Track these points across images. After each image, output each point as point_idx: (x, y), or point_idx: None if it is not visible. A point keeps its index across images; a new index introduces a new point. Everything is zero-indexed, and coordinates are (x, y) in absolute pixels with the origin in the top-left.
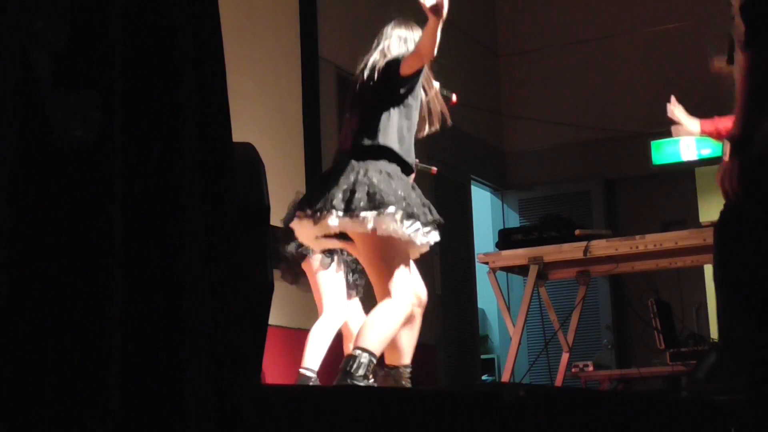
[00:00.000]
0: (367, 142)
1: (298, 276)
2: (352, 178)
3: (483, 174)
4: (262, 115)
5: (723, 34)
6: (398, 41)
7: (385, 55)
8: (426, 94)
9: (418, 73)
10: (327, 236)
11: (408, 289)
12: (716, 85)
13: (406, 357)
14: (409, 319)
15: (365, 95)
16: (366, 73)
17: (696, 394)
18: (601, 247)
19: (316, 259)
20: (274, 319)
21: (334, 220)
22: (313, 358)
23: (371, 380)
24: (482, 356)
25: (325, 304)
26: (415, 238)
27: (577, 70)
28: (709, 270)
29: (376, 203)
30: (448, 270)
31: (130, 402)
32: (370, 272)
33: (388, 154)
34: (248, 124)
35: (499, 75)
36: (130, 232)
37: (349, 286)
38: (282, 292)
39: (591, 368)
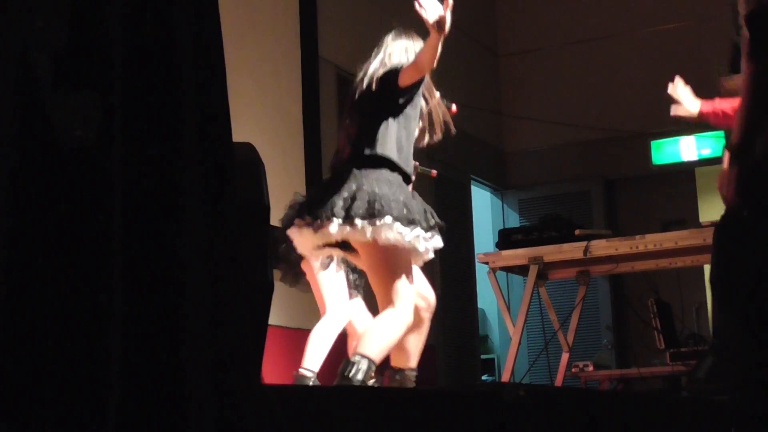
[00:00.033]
0: (365, 151)
1: (298, 277)
2: (353, 186)
3: (483, 174)
4: (262, 115)
5: (722, 36)
6: (399, 51)
7: (385, 65)
8: (427, 103)
9: (418, 84)
10: (328, 245)
11: (411, 299)
12: (716, 85)
13: (413, 360)
14: (417, 323)
15: (364, 104)
16: (365, 82)
17: (696, 394)
18: (601, 247)
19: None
20: (274, 319)
21: (335, 228)
22: (313, 359)
23: None
24: (482, 356)
25: (327, 306)
26: (417, 245)
27: (577, 70)
28: (709, 270)
29: (375, 212)
30: (448, 270)
31: (130, 402)
32: (373, 281)
33: (387, 163)
34: (248, 124)
35: (499, 75)
36: (130, 232)
37: (349, 286)
38: (282, 292)
39: (591, 368)
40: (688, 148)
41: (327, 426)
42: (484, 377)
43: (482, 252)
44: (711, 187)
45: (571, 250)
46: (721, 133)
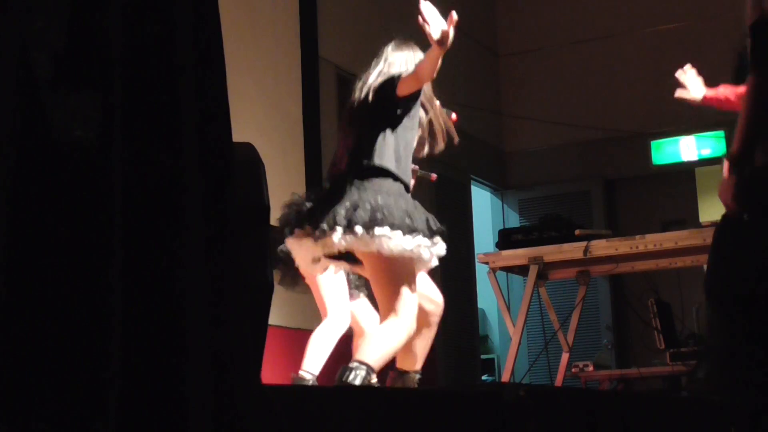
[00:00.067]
0: (364, 162)
1: (296, 279)
2: (355, 195)
3: (483, 174)
4: (262, 115)
5: (723, 36)
6: (400, 62)
7: (384, 76)
8: (427, 113)
9: (416, 94)
10: (329, 257)
11: (413, 307)
12: (715, 85)
13: (418, 363)
14: (425, 326)
15: (362, 114)
16: (363, 92)
17: (696, 394)
18: (601, 247)
19: None
20: (274, 319)
21: (338, 237)
22: (313, 362)
23: None
24: (482, 356)
25: (328, 308)
26: (421, 253)
27: (577, 70)
28: None
29: (378, 221)
30: (448, 270)
31: (130, 402)
32: (376, 289)
33: (386, 174)
34: (248, 124)
35: (499, 75)
36: (129, 233)
37: (350, 286)
38: (282, 292)
39: (591, 368)
40: (688, 148)
41: (327, 426)
42: (484, 377)
43: (482, 252)
44: (711, 187)
45: (571, 250)
46: (721, 133)
